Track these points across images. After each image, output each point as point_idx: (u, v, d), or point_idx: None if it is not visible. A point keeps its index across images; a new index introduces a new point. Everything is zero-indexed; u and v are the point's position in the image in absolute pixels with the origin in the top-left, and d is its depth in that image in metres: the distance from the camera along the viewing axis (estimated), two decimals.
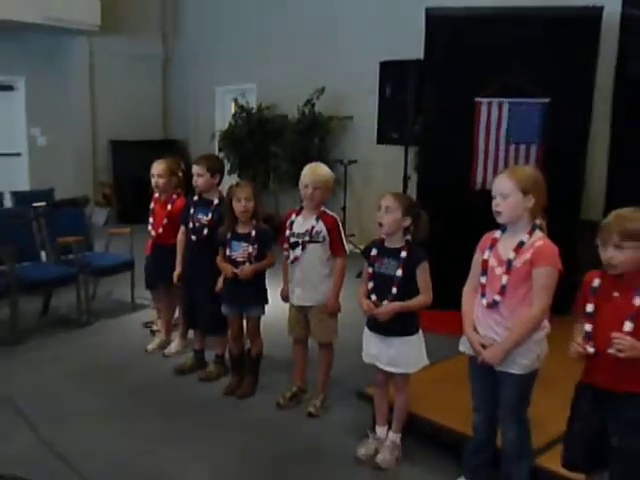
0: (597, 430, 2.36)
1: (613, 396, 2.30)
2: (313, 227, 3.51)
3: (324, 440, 3.42)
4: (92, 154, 10.02)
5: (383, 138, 6.91)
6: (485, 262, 2.66)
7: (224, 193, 3.95)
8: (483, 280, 2.65)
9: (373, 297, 3.03)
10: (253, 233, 3.71)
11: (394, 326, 2.99)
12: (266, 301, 3.83)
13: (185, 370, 4.24)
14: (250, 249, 3.70)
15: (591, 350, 2.29)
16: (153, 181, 4.46)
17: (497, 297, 2.58)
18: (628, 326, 2.22)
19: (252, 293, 3.77)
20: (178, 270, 4.21)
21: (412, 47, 5.63)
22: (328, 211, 3.60)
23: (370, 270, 3.08)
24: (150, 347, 4.65)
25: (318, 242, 3.51)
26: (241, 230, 3.73)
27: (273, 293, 3.80)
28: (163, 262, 4.40)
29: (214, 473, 3.13)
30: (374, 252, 3.07)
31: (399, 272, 2.97)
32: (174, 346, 4.59)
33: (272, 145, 8.41)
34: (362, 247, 3.26)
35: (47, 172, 9.30)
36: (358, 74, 7.42)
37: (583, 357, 2.33)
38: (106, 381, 4.12)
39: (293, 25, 8.46)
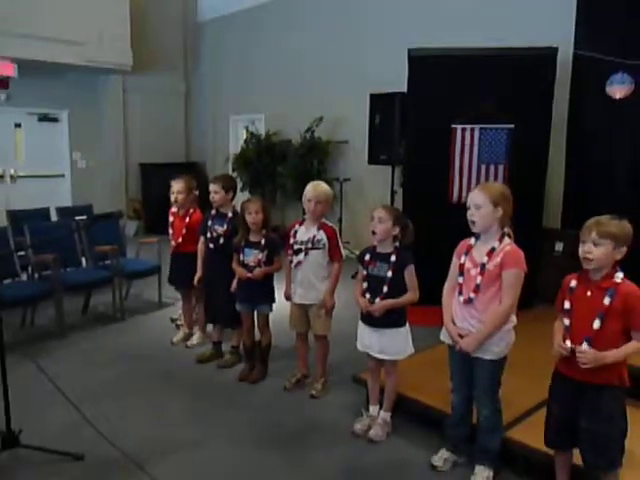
0: (570, 413, 2.35)
1: (585, 386, 2.29)
2: (315, 236, 3.50)
3: (324, 417, 3.41)
4: (124, 175, 10.01)
5: (373, 159, 6.91)
6: (462, 265, 2.66)
7: (237, 208, 3.95)
8: (460, 280, 2.66)
9: (367, 295, 3.03)
10: (263, 241, 3.71)
11: (385, 319, 2.99)
12: (274, 300, 3.83)
13: (205, 359, 4.23)
14: (260, 255, 3.69)
15: (569, 349, 2.28)
16: (173, 197, 4.45)
17: (472, 295, 2.58)
18: (597, 324, 2.22)
19: (262, 293, 3.77)
20: (199, 274, 4.21)
21: (397, 81, 5.63)
22: (327, 222, 3.60)
23: (364, 272, 3.08)
24: (175, 339, 4.63)
25: (319, 249, 3.51)
26: (253, 239, 3.73)
27: (280, 293, 3.80)
28: (182, 268, 4.41)
29: (230, 444, 3.12)
30: (367, 257, 3.07)
31: (389, 274, 2.97)
32: (195, 338, 4.58)
33: (278, 166, 8.40)
34: (357, 252, 3.25)
35: (86, 190, 9.29)
36: (352, 105, 7.43)
37: (564, 356, 2.32)
38: (137, 368, 4.11)
39: (295, 64, 8.47)
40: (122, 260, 5.43)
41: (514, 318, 2.62)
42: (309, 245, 3.50)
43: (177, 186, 4.43)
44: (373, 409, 3.25)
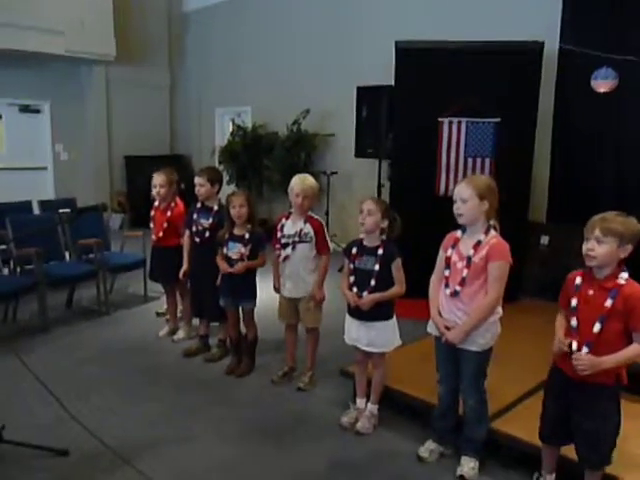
0: (566, 410, 2.37)
1: (582, 385, 2.29)
2: (302, 229, 3.51)
3: (312, 410, 3.43)
4: (108, 168, 9.92)
5: (360, 152, 6.92)
6: (448, 258, 2.68)
7: (223, 200, 3.94)
8: (447, 273, 2.68)
9: (354, 289, 3.04)
10: (247, 236, 3.70)
11: (373, 313, 3.01)
12: (256, 295, 3.81)
13: (192, 353, 4.22)
14: (243, 249, 3.69)
15: (574, 348, 2.25)
16: (155, 191, 4.42)
17: (458, 287, 2.61)
18: (597, 327, 2.20)
19: (244, 288, 3.76)
20: (185, 268, 4.19)
21: (384, 74, 5.64)
22: (314, 215, 3.61)
23: (351, 266, 3.09)
24: (161, 333, 4.62)
25: (306, 242, 3.51)
26: (237, 232, 3.72)
27: (267, 286, 3.80)
28: (164, 262, 4.39)
29: (217, 438, 3.13)
30: (354, 250, 3.08)
31: (377, 267, 2.98)
32: (182, 332, 4.57)
33: (265, 159, 8.38)
34: (344, 246, 3.26)
35: (69, 183, 9.20)
36: (339, 97, 7.42)
37: (564, 352, 2.29)
38: (123, 362, 4.10)
39: (282, 55, 8.44)
40: (106, 254, 5.39)
41: (500, 310, 2.65)
42: (296, 239, 3.51)
43: (158, 179, 4.40)
44: (360, 402, 3.27)
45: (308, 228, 3.51)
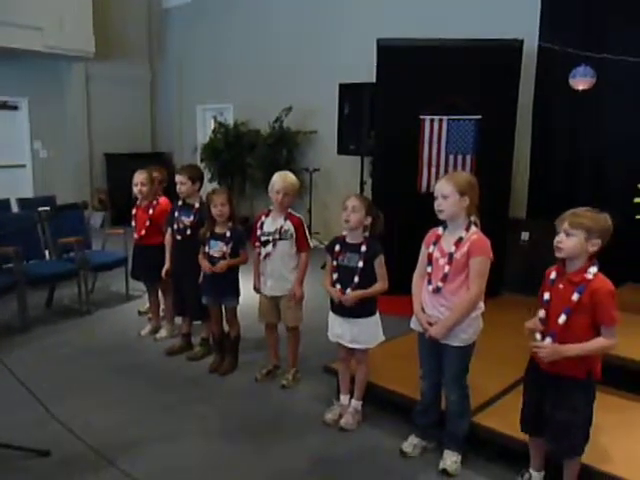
0: (540, 402, 2.41)
1: (553, 377, 2.34)
2: (282, 226, 3.50)
3: (296, 408, 3.43)
4: (89, 165, 9.80)
5: (343, 149, 6.92)
6: (430, 255, 2.70)
7: (204, 198, 3.93)
8: (429, 270, 2.69)
9: (338, 286, 3.05)
10: (228, 234, 3.69)
11: (357, 309, 3.02)
12: (239, 293, 3.81)
13: (174, 351, 4.20)
14: (225, 247, 3.67)
15: (538, 338, 2.33)
16: (136, 189, 4.38)
17: (440, 284, 2.62)
18: (562, 319, 2.25)
19: (227, 286, 3.75)
20: (167, 266, 4.16)
21: (366, 72, 5.65)
22: (294, 212, 3.60)
23: (334, 263, 3.09)
24: (143, 332, 4.59)
25: (286, 239, 3.51)
26: (218, 230, 3.71)
27: (249, 284, 3.79)
28: (147, 261, 4.36)
29: (200, 436, 3.11)
30: (337, 248, 3.08)
31: (360, 264, 2.99)
32: (164, 331, 4.54)
33: (247, 156, 8.35)
34: (326, 243, 3.26)
35: (49, 181, 9.08)
36: (321, 95, 7.42)
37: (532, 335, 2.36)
38: (105, 362, 4.06)
39: (264, 52, 8.41)
40: (87, 252, 5.33)
41: (482, 305, 2.67)
42: (276, 236, 3.50)
43: (139, 178, 4.37)
44: (344, 398, 3.28)
45: (288, 225, 3.50)
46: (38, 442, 2.92)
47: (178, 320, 4.44)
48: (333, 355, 3.37)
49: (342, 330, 3.10)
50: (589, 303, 2.21)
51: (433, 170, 5.12)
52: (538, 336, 2.33)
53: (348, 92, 6.69)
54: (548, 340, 2.29)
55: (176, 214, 4.08)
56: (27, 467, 2.80)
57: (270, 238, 3.52)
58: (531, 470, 2.60)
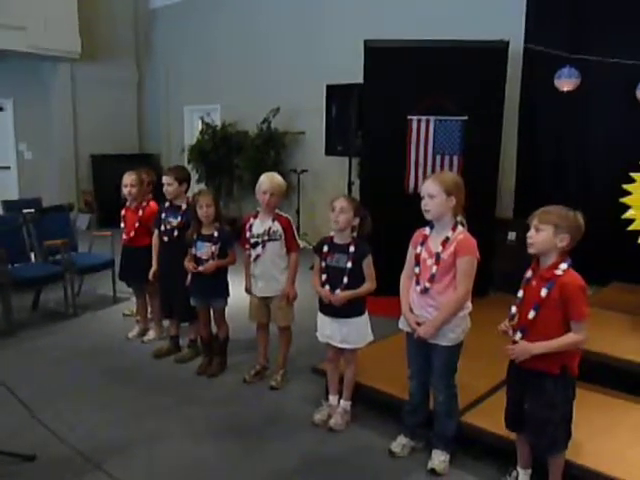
0: (519, 398, 2.44)
1: (529, 373, 2.37)
2: (270, 227, 3.50)
3: (285, 408, 3.42)
4: (75, 166, 9.71)
5: (330, 150, 6.94)
6: (418, 255, 2.71)
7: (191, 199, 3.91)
8: (417, 270, 2.70)
9: (327, 287, 3.05)
10: (215, 234, 3.68)
11: (346, 309, 3.02)
12: (228, 294, 3.80)
13: (162, 353, 4.18)
14: (213, 248, 3.66)
15: (510, 333, 2.38)
16: (126, 190, 4.36)
17: (428, 284, 2.64)
18: (531, 314, 2.30)
19: (215, 287, 3.74)
20: (154, 268, 4.14)
21: (353, 73, 5.66)
22: (282, 213, 3.60)
23: (323, 264, 3.09)
24: (131, 335, 4.56)
25: (276, 240, 3.51)
26: (205, 232, 3.70)
27: (238, 286, 3.78)
28: (135, 263, 4.33)
29: (189, 438, 3.10)
30: (325, 248, 3.08)
31: (349, 264, 2.99)
32: (152, 333, 4.52)
33: (235, 157, 8.33)
34: (315, 244, 3.27)
35: (34, 183, 8.99)
36: (309, 96, 7.41)
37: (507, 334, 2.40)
38: (91, 365, 4.03)
39: (251, 53, 8.39)
40: (74, 254, 5.29)
41: (469, 305, 2.68)
42: (265, 237, 3.50)
43: (129, 179, 4.35)
44: (333, 398, 3.28)
45: (277, 226, 3.51)
46: (23, 446, 2.89)
47: (166, 322, 4.42)
48: (322, 356, 3.37)
49: (331, 330, 3.10)
50: (559, 298, 2.25)
51: (420, 170, 5.15)
52: (510, 332, 2.38)
53: (336, 93, 6.70)
54: (518, 336, 2.34)
55: (163, 215, 4.07)
56: (12, 472, 2.76)
57: (259, 240, 3.52)
58: (518, 468, 2.61)
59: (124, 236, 4.44)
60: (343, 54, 6.67)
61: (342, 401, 3.23)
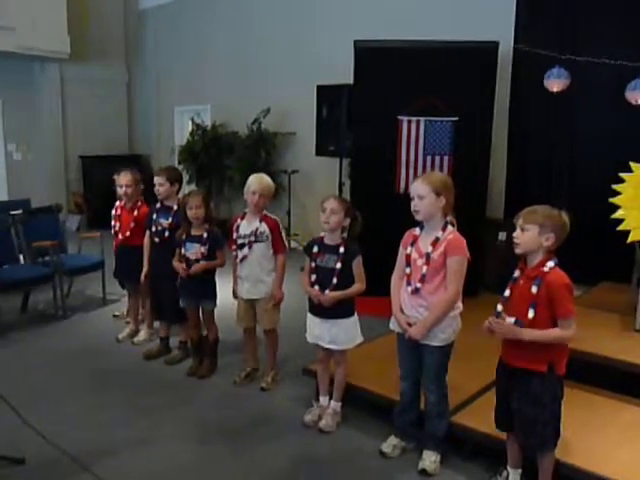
0: (507, 396, 2.44)
1: (513, 370, 2.38)
2: (257, 228, 3.49)
3: (275, 410, 3.41)
4: (64, 168, 9.64)
5: (321, 151, 6.94)
6: (408, 256, 2.71)
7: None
8: (407, 271, 2.70)
9: (316, 287, 3.04)
10: (205, 235, 3.67)
11: (335, 310, 3.02)
12: (216, 295, 3.78)
13: (152, 355, 4.16)
14: (202, 249, 3.65)
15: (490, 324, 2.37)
16: (121, 190, 4.33)
17: (419, 284, 2.64)
18: (531, 313, 2.29)
19: (204, 289, 3.73)
20: (145, 270, 4.12)
21: (344, 73, 5.66)
22: (269, 214, 3.59)
23: (313, 265, 3.08)
24: (121, 336, 4.53)
25: (262, 242, 3.49)
26: (195, 232, 3.68)
27: (227, 287, 3.76)
28: (131, 262, 4.30)
29: (179, 441, 3.08)
30: (316, 249, 3.08)
31: (338, 265, 2.99)
32: (142, 335, 4.49)
33: (225, 158, 8.31)
34: (305, 244, 3.26)
35: (24, 184, 8.89)
36: (299, 96, 7.41)
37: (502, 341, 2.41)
38: (81, 367, 4.00)
39: (241, 54, 8.37)
40: (63, 256, 5.25)
41: (460, 305, 2.69)
42: (252, 238, 3.49)
43: (125, 179, 4.33)
44: (323, 400, 3.27)
45: (264, 227, 3.50)
46: (12, 449, 2.86)
47: (156, 324, 4.39)
48: (312, 357, 3.36)
49: (320, 331, 3.09)
50: (546, 296, 2.27)
51: (411, 171, 5.14)
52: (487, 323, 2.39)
53: (326, 93, 6.71)
54: (509, 320, 2.34)
55: (154, 216, 4.05)
56: (1, 475, 2.74)
57: (246, 241, 3.51)
58: (508, 467, 2.62)
59: (119, 236, 4.42)
60: (333, 54, 6.67)
61: (332, 402, 3.22)
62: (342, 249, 3.00)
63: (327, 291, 3.00)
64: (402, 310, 2.73)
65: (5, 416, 3.07)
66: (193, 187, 8.03)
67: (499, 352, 2.50)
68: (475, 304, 3.96)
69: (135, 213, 4.35)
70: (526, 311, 2.31)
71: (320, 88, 6.76)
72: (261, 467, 2.86)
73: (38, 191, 8.48)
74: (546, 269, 2.30)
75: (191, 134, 8.65)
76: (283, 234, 3.59)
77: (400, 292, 2.75)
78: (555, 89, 4.91)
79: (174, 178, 4.05)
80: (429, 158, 5.16)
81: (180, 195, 4.11)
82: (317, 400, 3.31)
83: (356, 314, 3.10)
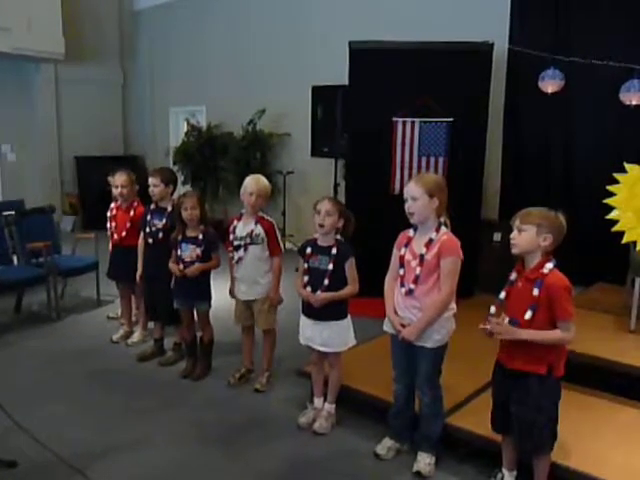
0: (505, 399, 2.43)
1: (515, 374, 2.37)
2: (253, 230, 3.48)
3: (270, 411, 3.40)
4: (59, 168, 9.59)
5: (316, 152, 6.93)
6: (402, 257, 2.70)
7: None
8: (401, 272, 2.69)
9: (308, 288, 3.03)
10: (200, 236, 3.65)
11: (327, 312, 3.00)
12: (211, 297, 3.77)
13: (147, 357, 4.13)
14: (198, 251, 3.63)
15: (488, 327, 2.37)
16: (117, 191, 4.32)
17: (412, 286, 2.63)
18: (529, 314, 2.29)
19: (199, 290, 3.70)
20: (140, 271, 4.10)
21: (339, 74, 5.65)
22: (265, 216, 3.57)
23: (306, 266, 3.07)
24: (115, 337, 4.50)
25: (257, 244, 3.48)
26: (190, 234, 3.66)
27: (222, 288, 3.74)
28: (126, 262, 4.28)
29: (173, 443, 3.06)
30: (309, 250, 3.07)
31: (330, 266, 2.97)
32: (136, 336, 4.46)
33: (220, 159, 8.28)
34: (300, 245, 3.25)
35: (18, 185, 8.84)
36: (294, 97, 7.39)
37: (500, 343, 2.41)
38: (75, 368, 3.97)
39: (237, 54, 8.35)
40: (57, 257, 5.22)
41: (454, 306, 2.68)
42: (248, 240, 3.48)
43: (120, 179, 4.31)
44: (318, 401, 3.26)
45: (259, 229, 3.48)
46: (4, 452, 2.83)
47: (151, 325, 4.36)
48: (307, 358, 3.34)
49: (312, 333, 3.08)
50: (545, 298, 2.26)
51: (406, 172, 5.14)
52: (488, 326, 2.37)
53: (321, 94, 6.70)
54: (506, 320, 2.34)
55: (148, 217, 4.03)
56: None
57: (242, 243, 3.49)
58: (503, 469, 2.61)
59: (115, 236, 4.39)
60: (329, 55, 6.66)
61: (326, 404, 3.21)
62: (334, 250, 2.98)
63: (319, 292, 2.99)
64: (396, 311, 2.71)
65: None
66: (188, 188, 8.00)
67: (494, 353, 2.49)
68: (470, 305, 3.97)
69: (131, 213, 4.34)
70: (524, 313, 2.29)
71: (315, 89, 6.76)
72: (255, 469, 2.85)
73: (32, 192, 8.44)
74: (545, 271, 2.29)
75: (186, 135, 8.63)
76: (279, 236, 3.57)
77: (394, 293, 2.74)
78: (550, 90, 4.92)
79: (169, 179, 4.03)
80: (424, 159, 5.15)
81: (175, 196, 4.09)
82: (311, 402, 3.30)
83: (349, 317, 3.09)
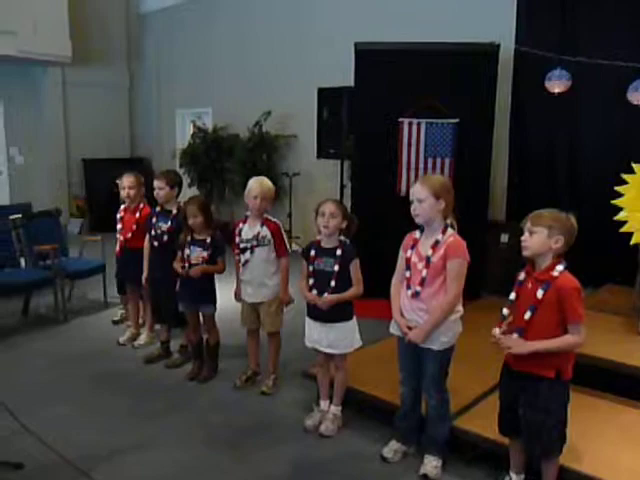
0: (514, 403, 2.41)
1: (524, 377, 2.35)
2: (259, 232, 3.48)
3: (276, 414, 3.39)
4: (66, 171, 9.65)
5: (322, 153, 6.92)
6: (408, 259, 2.69)
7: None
8: (407, 274, 2.68)
9: (314, 291, 3.02)
10: (208, 240, 3.65)
11: (333, 314, 2.99)
12: (215, 300, 3.76)
13: (153, 359, 4.14)
14: (204, 254, 3.63)
15: (497, 332, 2.37)
16: (125, 192, 4.33)
17: (419, 288, 2.61)
18: (527, 315, 2.29)
19: (203, 293, 3.71)
20: (146, 274, 4.11)
21: (345, 76, 5.64)
22: (271, 218, 3.57)
23: (310, 268, 3.07)
24: (122, 339, 4.51)
25: (264, 245, 3.48)
26: (198, 237, 3.67)
27: (228, 291, 3.74)
28: (132, 264, 4.29)
29: (179, 445, 3.06)
30: (313, 253, 3.06)
31: (336, 268, 2.97)
32: (143, 338, 4.47)
33: (226, 161, 8.29)
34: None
35: (26, 188, 8.91)
36: (300, 99, 7.40)
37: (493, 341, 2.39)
38: (81, 371, 3.98)
39: (243, 57, 8.37)
40: (64, 259, 5.24)
41: (460, 308, 2.66)
42: (254, 242, 3.48)
43: (128, 181, 4.33)
44: (324, 404, 3.25)
45: (265, 231, 3.48)
46: (11, 454, 2.84)
47: (157, 327, 4.37)
48: (313, 360, 3.34)
49: (319, 335, 3.07)
50: (555, 300, 2.24)
51: (412, 173, 5.12)
52: (497, 331, 2.38)
53: (327, 96, 6.70)
54: (515, 336, 2.32)
55: (153, 220, 4.03)
56: None
57: (248, 245, 3.49)
58: (511, 473, 2.59)
59: (121, 237, 4.41)
60: (334, 57, 6.64)
61: (332, 406, 3.20)
62: (339, 252, 2.98)
63: (325, 294, 2.98)
64: (402, 314, 2.70)
65: (4, 420, 3.06)
66: (194, 190, 8.01)
67: (502, 355, 2.47)
68: (477, 307, 3.96)
69: (137, 215, 4.35)
70: (524, 313, 2.29)
71: (321, 90, 6.75)
72: (261, 471, 2.84)
73: (40, 195, 8.49)
74: (556, 273, 2.27)
75: (192, 137, 8.65)
76: (285, 237, 3.57)
77: (400, 295, 2.73)
78: (556, 90, 4.89)
79: (174, 182, 4.04)
80: (430, 160, 5.14)
81: (180, 199, 4.10)
82: (317, 404, 3.29)
83: (355, 318, 3.08)
